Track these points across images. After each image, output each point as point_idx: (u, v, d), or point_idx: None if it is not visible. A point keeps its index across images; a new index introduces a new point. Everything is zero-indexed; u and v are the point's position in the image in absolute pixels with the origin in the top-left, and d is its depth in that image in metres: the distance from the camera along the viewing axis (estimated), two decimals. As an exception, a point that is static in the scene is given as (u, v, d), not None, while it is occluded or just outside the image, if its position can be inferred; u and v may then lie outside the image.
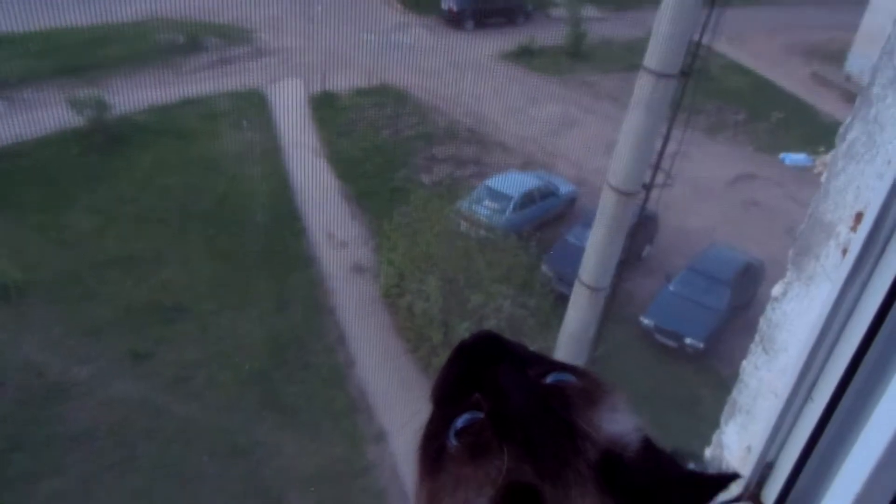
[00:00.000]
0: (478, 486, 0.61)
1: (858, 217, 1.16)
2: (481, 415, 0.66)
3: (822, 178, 1.26)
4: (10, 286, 9.06)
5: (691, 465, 0.64)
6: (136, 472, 7.74)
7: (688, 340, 10.24)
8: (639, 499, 0.61)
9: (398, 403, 8.60)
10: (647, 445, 0.65)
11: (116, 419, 8.17)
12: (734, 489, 1.34)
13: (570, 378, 0.70)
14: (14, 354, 8.53)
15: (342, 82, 14.06)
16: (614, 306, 9.42)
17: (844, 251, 1.16)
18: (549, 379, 0.69)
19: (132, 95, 11.43)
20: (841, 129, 1.21)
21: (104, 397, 8.32)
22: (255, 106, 13.08)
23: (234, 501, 7.71)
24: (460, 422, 0.67)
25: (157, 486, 7.68)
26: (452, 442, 0.66)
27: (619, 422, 0.66)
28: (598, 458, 0.62)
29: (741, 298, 10.75)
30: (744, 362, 1.41)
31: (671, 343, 10.34)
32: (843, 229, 1.17)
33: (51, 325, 8.98)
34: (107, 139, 11.54)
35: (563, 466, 0.61)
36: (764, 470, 1.29)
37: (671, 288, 11.01)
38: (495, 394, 0.66)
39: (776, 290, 1.31)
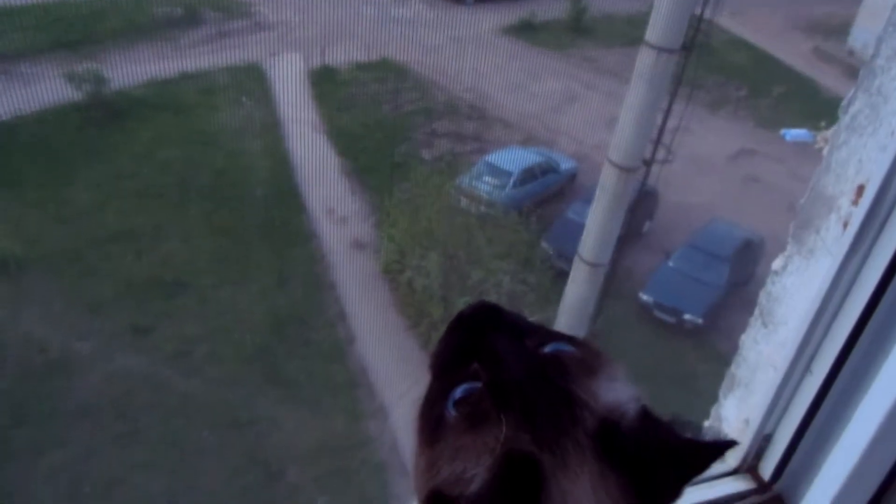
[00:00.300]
0: (476, 455, 0.61)
1: (860, 190, 1.15)
2: (479, 385, 0.66)
3: (824, 152, 1.26)
4: (11, 261, 9.07)
5: (689, 434, 0.65)
6: (138, 446, 7.80)
7: (686, 316, 10.27)
8: (637, 467, 0.62)
9: (398, 379, 8.65)
10: (645, 414, 0.65)
11: (118, 393, 8.22)
12: (732, 461, 1.35)
13: (568, 348, 0.70)
14: (15, 329, 8.55)
15: (342, 56, 13.95)
16: (614, 282, 9.45)
17: (845, 224, 1.16)
18: (547, 349, 0.69)
19: (130, 69, 11.34)
20: (844, 102, 1.20)
21: (106, 372, 8.36)
22: (254, 80, 12.99)
23: (234, 474, 7.78)
24: (459, 392, 0.67)
25: (159, 459, 7.75)
26: (451, 412, 0.66)
27: (616, 391, 0.66)
28: (596, 427, 0.62)
29: (740, 275, 10.76)
30: (743, 336, 1.42)
31: (670, 319, 10.37)
32: (844, 203, 1.17)
33: (51, 300, 9.00)
34: (105, 114, 11.48)
35: (562, 435, 0.61)
36: (762, 442, 1.30)
37: (670, 264, 11.02)
38: (493, 363, 0.67)
39: (776, 264, 1.31)
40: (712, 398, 1.50)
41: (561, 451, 0.60)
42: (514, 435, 0.60)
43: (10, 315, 8.75)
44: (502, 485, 0.59)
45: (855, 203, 1.13)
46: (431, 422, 0.67)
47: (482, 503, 0.58)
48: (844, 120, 1.17)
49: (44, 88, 10.25)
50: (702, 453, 0.65)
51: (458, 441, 0.63)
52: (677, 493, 0.65)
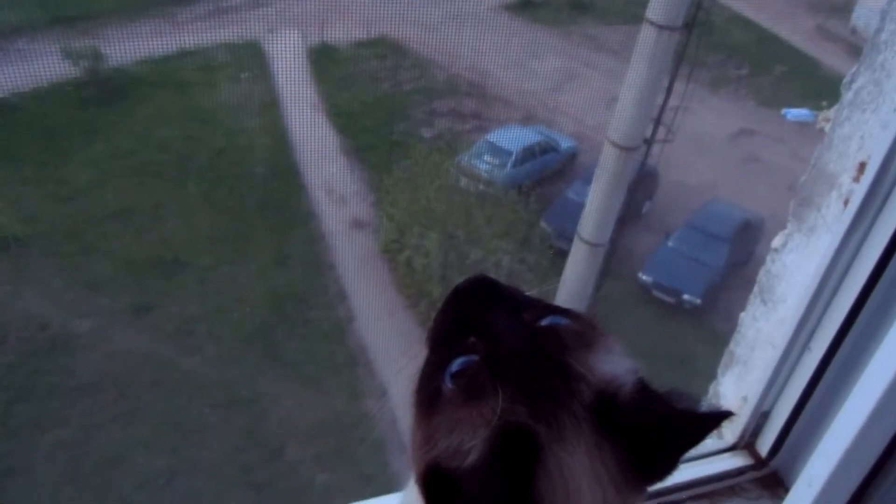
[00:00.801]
0: (473, 427, 0.61)
1: (861, 167, 1.15)
2: (476, 358, 0.66)
3: (827, 129, 1.25)
4: (10, 239, 9.06)
5: (685, 406, 0.65)
6: (139, 423, 7.85)
7: (685, 296, 10.29)
8: (633, 439, 0.62)
9: (398, 357, 8.67)
10: (642, 386, 0.66)
11: (119, 371, 8.25)
12: (729, 438, 1.36)
13: (564, 321, 0.70)
14: (15, 307, 8.56)
15: (340, 34, 13.82)
16: (613, 262, 9.45)
17: (846, 202, 1.16)
18: (543, 322, 0.69)
19: (128, 46, 11.24)
20: (846, 78, 1.19)
21: (106, 350, 8.38)
22: (252, 58, 12.89)
23: (234, 452, 7.83)
24: (455, 365, 0.67)
25: (159, 436, 7.79)
26: (448, 385, 0.66)
27: (613, 363, 0.66)
28: (593, 399, 0.62)
29: (739, 255, 10.77)
30: (742, 314, 1.42)
31: (668, 299, 10.40)
32: (845, 179, 1.16)
33: (51, 279, 9.00)
34: (103, 91, 11.39)
35: (558, 407, 0.61)
36: (759, 419, 1.31)
37: (670, 244, 11.02)
38: (490, 336, 0.67)
39: (776, 242, 1.31)
40: (710, 378, 1.50)
41: (557, 423, 0.60)
42: (510, 407, 0.61)
43: (11, 293, 8.76)
44: (499, 456, 0.59)
45: (856, 180, 1.13)
46: (428, 395, 0.68)
47: (479, 475, 0.58)
48: (847, 96, 1.16)
49: (41, 65, 10.16)
50: (698, 424, 0.65)
51: (454, 414, 0.63)
52: (674, 464, 0.65)
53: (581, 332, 0.68)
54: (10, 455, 7.39)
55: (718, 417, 0.66)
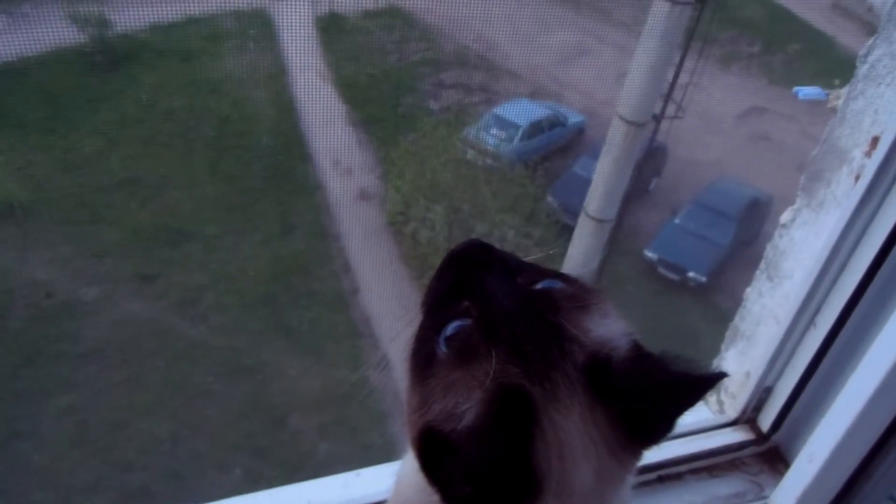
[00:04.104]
0: (467, 389, 0.61)
1: (874, 142, 1.13)
2: (470, 321, 0.66)
3: (840, 103, 1.23)
4: (17, 206, 9.07)
5: (680, 368, 0.64)
6: (144, 390, 7.91)
7: (690, 274, 10.27)
8: (627, 401, 0.61)
9: (394, 324, 8.70)
10: (636, 349, 0.65)
11: (124, 338, 8.30)
12: (731, 413, 1.36)
13: (559, 284, 0.69)
14: (22, 274, 8.60)
15: (349, 3, 13.68)
16: (619, 238, 9.43)
17: (857, 177, 1.14)
18: (538, 286, 0.69)
19: (134, 12, 11.15)
20: (862, 51, 1.16)
21: (112, 317, 8.42)
22: (260, 26, 12.77)
23: (238, 419, 7.90)
24: (450, 329, 0.67)
25: (164, 403, 7.86)
26: (442, 348, 0.66)
27: (607, 326, 0.66)
28: (586, 361, 0.62)
29: (746, 233, 10.73)
30: (747, 289, 1.41)
31: (673, 276, 10.38)
32: (857, 154, 1.14)
33: (57, 246, 9.02)
34: (109, 58, 11.32)
35: (552, 369, 0.61)
36: (762, 394, 1.30)
37: (676, 221, 10.98)
38: (484, 299, 0.66)
39: (784, 217, 1.29)
40: (713, 355, 1.50)
41: (551, 384, 0.60)
42: (503, 368, 0.60)
43: (17, 259, 8.79)
44: (495, 417, 0.58)
45: (868, 155, 1.11)
46: (423, 359, 0.67)
47: (475, 436, 0.58)
48: (862, 69, 1.14)
49: (47, 30, 10.10)
50: (692, 387, 0.64)
51: (449, 377, 0.63)
52: (668, 427, 0.65)
53: (575, 294, 0.68)
54: (18, 419, 7.47)
55: (712, 379, 0.66)
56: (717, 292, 10.23)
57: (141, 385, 7.95)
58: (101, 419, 7.61)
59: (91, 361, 8.04)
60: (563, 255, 7.45)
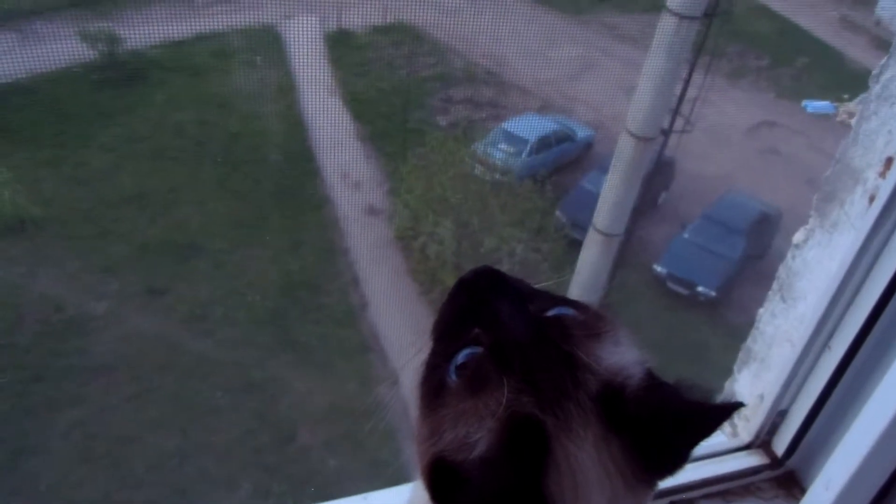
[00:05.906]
0: (478, 419, 0.60)
1: (888, 162, 1.11)
2: (481, 349, 0.65)
3: (853, 122, 1.21)
4: (27, 221, 9.13)
5: (696, 398, 0.63)
6: (152, 405, 7.91)
7: (700, 289, 10.22)
8: (641, 430, 0.60)
9: (410, 345, 8.68)
10: (650, 378, 0.64)
11: (133, 353, 8.31)
12: (745, 437, 1.34)
13: (571, 311, 0.68)
14: (32, 289, 8.64)
15: (358, 19, 13.79)
16: (628, 253, 9.40)
17: (871, 198, 1.12)
18: (549, 313, 0.68)
19: (145, 30, 11.26)
20: (875, 70, 1.15)
21: (121, 332, 8.44)
22: (269, 43, 12.87)
23: (246, 435, 7.89)
24: (461, 357, 0.66)
25: (172, 418, 7.86)
26: (452, 377, 0.65)
27: (621, 354, 0.64)
28: (600, 390, 0.61)
29: (756, 248, 10.68)
30: (760, 310, 1.39)
31: (683, 291, 10.33)
32: (871, 175, 1.13)
33: (67, 261, 9.07)
34: (119, 75, 11.42)
35: (564, 398, 0.60)
36: (776, 418, 1.28)
37: (685, 235, 10.95)
38: (495, 327, 0.65)
39: (797, 238, 1.28)
40: (723, 371, 1.48)
41: (564, 413, 0.59)
42: (516, 397, 0.59)
43: (27, 275, 8.84)
44: (507, 447, 0.57)
45: (882, 176, 1.09)
46: (433, 388, 0.66)
47: (487, 466, 0.57)
48: (875, 89, 1.13)
49: (58, 48, 10.20)
50: (708, 417, 0.63)
51: (460, 406, 0.62)
52: (683, 457, 0.63)
53: (588, 322, 0.67)
54: (26, 434, 7.48)
55: (728, 409, 0.64)
56: (726, 307, 10.17)
57: (149, 400, 7.95)
58: (109, 434, 7.61)
59: (99, 376, 8.05)
60: (572, 269, 7.44)
